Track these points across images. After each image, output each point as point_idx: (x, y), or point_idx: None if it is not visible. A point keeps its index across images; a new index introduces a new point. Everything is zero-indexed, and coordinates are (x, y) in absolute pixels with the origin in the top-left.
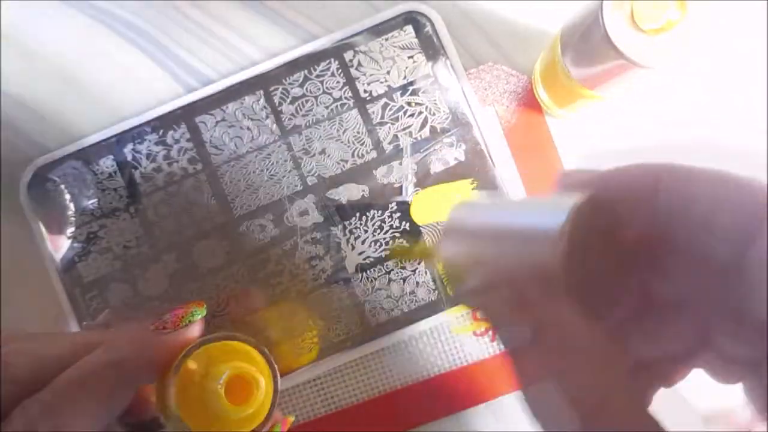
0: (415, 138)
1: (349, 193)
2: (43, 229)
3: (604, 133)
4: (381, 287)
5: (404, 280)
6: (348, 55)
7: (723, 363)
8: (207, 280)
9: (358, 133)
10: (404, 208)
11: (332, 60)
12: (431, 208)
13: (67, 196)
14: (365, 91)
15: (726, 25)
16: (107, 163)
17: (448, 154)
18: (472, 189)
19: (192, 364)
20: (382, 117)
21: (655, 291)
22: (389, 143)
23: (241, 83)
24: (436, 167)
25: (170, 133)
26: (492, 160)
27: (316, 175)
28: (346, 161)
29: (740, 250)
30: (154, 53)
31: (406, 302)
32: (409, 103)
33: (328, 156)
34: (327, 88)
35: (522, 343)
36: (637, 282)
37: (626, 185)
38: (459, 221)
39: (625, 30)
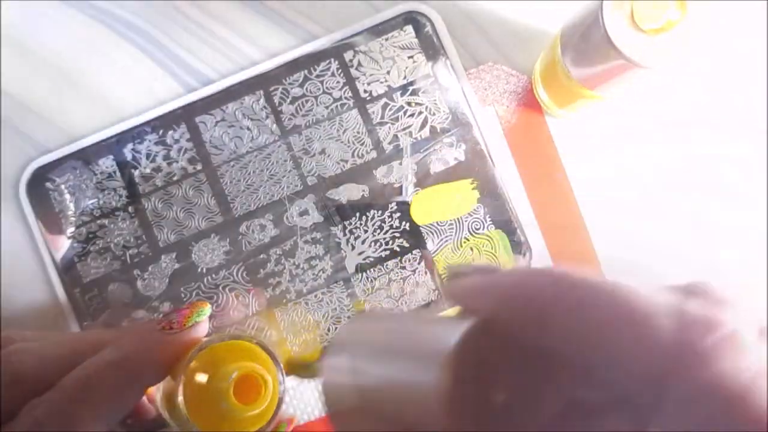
0: (415, 138)
1: (349, 193)
2: (43, 229)
3: (604, 133)
4: (381, 287)
5: (404, 280)
6: (348, 55)
7: None
8: (207, 280)
9: (358, 133)
10: (404, 208)
11: (332, 60)
12: (431, 208)
13: (67, 196)
14: (365, 91)
15: (726, 25)
16: (107, 163)
17: (448, 154)
18: (472, 189)
19: (199, 365)
20: (382, 117)
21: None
22: (389, 143)
23: (241, 83)
24: (436, 167)
25: (170, 133)
26: (492, 160)
27: (316, 175)
28: (346, 161)
29: (646, 385)
30: (154, 53)
31: (406, 302)
32: (409, 103)
33: (328, 156)
34: (327, 88)
35: None
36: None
37: (514, 307)
38: (342, 346)
39: (625, 30)
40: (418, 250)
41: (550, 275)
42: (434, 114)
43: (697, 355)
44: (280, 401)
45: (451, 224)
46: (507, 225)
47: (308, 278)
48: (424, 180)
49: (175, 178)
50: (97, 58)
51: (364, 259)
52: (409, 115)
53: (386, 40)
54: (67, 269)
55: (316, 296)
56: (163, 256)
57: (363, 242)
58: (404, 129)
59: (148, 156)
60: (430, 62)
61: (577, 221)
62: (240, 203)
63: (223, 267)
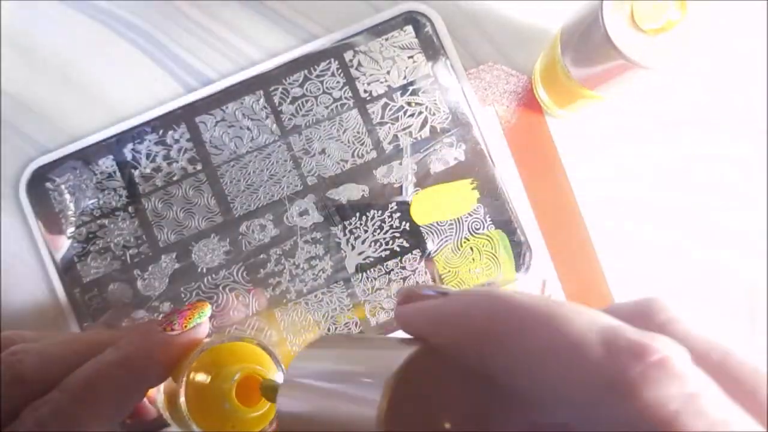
0: (415, 138)
1: (349, 193)
2: (43, 229)
3: (604, 133)
4: (381, 287)
5: (404, 280)
6: (348, 55)
7: None
8: (207, 280)
9: (358, 133)
10: (404, 208)
11: (332, 60)
12: (431, 208)
13: (67, 196)
14: (365, 91)
15: (726, 25)
16: (107, 163)
17: (448, 154)
18: (472, 189)
19: (201, 366)
20: (382, 117)
21: None
22: (389, 143)
23: (241, 83)
24: (436, 167)
25: (170, 133)
26: (492, 160)
27: (316, 175)
28: (346, 161)
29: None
30: (154, 53)
31: None
32: (409, 103)
33: (328, 156)
34: (327, 88)
35: None
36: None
37: (459, 330)
38: (293, 378)
39: (625, 30)
40: (418, 250)
41: (487, 300)
42: (434, 114)
43: (627, 384)
44: None
45: (451, 224)
46: (507, 225)
47: (308, 278)
48: (424, 180)
49: (175, 178)
50: (97, 58)
51: (364, 259)
52: (409, 115)
53: (386, 40)
54: (67, 269)
55: (316, 296)
56: (163, 256)
57: (363, 242)
58: (404, 129)
59: (148, 156)
60: (430, 62)
61: (577, 221)
62: (240, 203)
63: (223, 267)
